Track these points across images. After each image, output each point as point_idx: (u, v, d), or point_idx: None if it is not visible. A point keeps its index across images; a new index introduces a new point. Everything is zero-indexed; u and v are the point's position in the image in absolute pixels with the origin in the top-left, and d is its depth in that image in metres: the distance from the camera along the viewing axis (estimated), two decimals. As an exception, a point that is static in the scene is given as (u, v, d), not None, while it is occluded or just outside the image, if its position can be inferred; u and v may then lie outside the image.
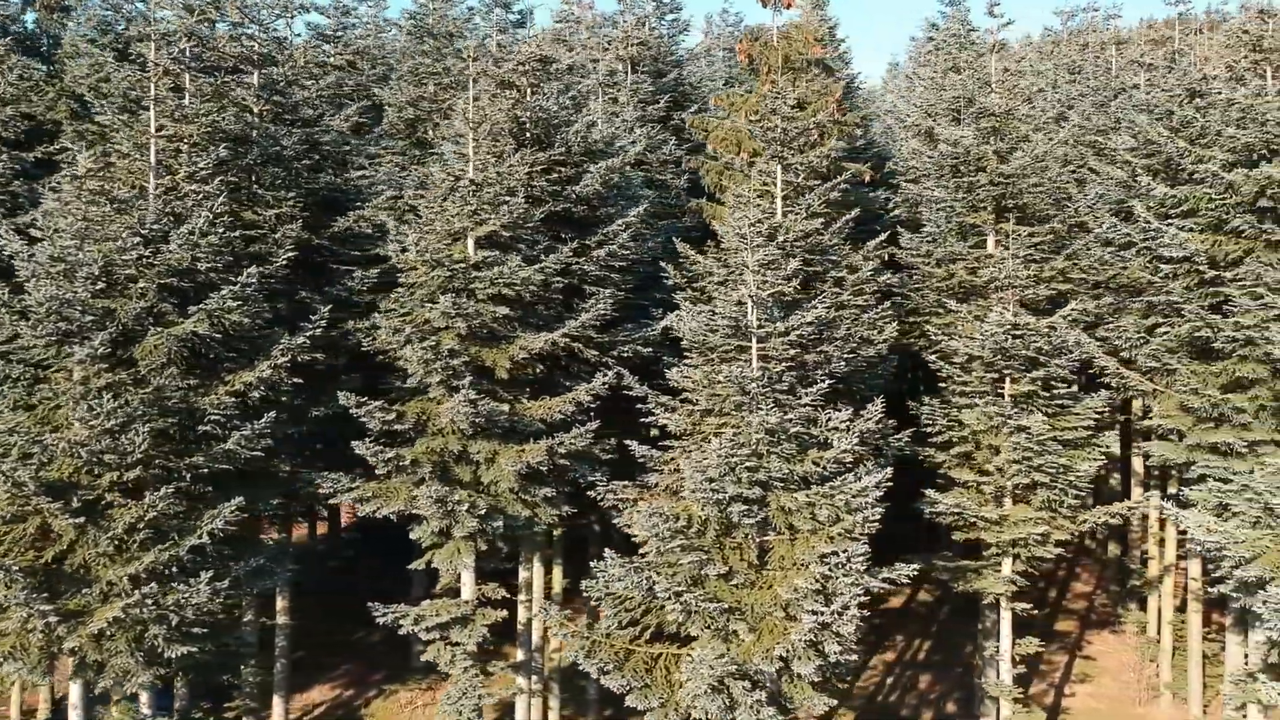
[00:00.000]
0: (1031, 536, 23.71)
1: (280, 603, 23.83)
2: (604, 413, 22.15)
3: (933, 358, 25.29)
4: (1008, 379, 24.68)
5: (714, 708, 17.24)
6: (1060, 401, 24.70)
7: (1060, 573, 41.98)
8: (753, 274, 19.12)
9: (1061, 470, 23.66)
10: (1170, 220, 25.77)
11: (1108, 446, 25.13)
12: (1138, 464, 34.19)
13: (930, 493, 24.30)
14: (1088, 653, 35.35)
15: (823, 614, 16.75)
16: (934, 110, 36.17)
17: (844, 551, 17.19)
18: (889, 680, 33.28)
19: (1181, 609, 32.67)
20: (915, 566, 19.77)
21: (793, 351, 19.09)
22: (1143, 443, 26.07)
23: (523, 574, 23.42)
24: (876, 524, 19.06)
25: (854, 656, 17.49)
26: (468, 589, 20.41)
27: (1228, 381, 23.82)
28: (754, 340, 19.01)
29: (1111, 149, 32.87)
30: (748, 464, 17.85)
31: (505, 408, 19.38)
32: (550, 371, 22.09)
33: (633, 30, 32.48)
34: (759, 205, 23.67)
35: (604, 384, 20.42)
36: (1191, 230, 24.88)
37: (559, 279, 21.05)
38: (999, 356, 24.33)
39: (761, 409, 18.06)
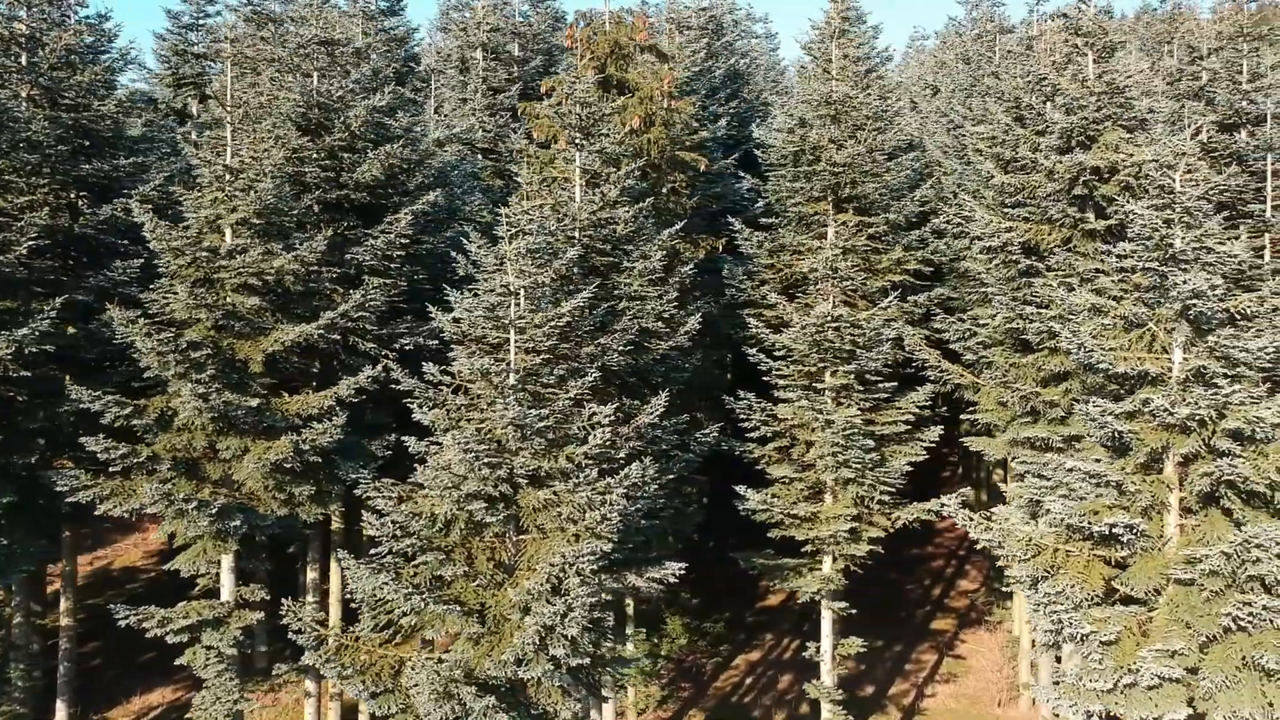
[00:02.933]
0: (838, 534, 23.03)
1: (64, 603, 23.06)
2: (401, 409, 21.44)
3: (753, 351, 24.56)
4: (828, 372, 24.04)
5: (441, 714, 16.54)
6: (877, 395, 24.07)
7: (949, 569, 41.41)
8: (511, 262, 18.42)
9: (871, 465, 22.99)
10: (1009, 209, 25.17)
11: (930, 441, 24.52)
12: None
13: (741, 488, 23.61)
14: (959, 651, 34.75)
15: (543, 615, 16.05)
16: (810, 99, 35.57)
17: (573, 551, 16.46)
18: (749, 680, 32.63)
19: (1042, 607, 32.05)
20: (683, 565, 19.16)
21: (550, 343, 18.35)
22: (965, 438, 25.48)
23: (310, 574, 22.68)
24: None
25: (587, 660, 16.73)
26: (226, 590, 19.65)
27: (1047, 375, 23.23)
28: (512, 331, 18.28)
29: (977, 136, 32.25)
30: (488, 460, 17.14)
31: (254, 402, 18.60)
32: (332, 365, 21.39)
33: (485, 16, 31.68)
34: (558, 193, 23.02)
35: (369, 378, 19.66)
36: (1026, 219, 24.27)
37: (328, 269, 20.29)
38: (814, 350, 23.69)
39: (500, 402, 17.33)
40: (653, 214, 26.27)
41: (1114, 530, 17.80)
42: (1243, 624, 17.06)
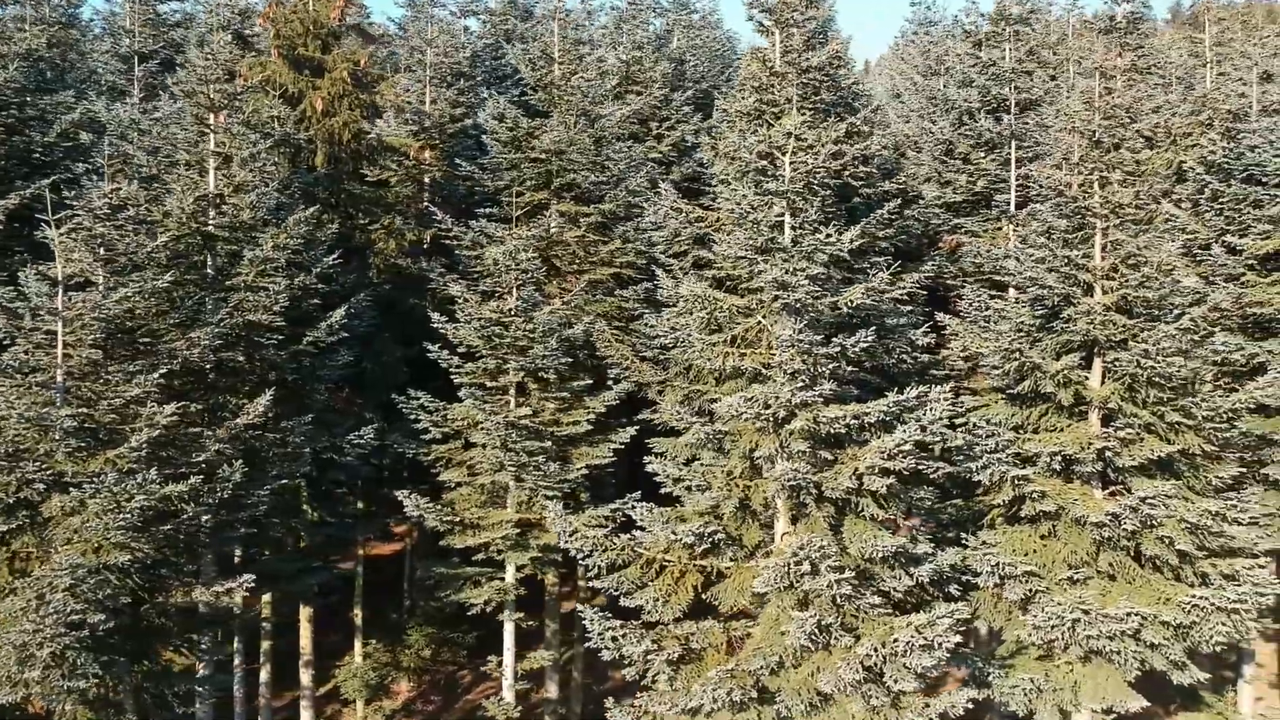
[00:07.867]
0: (496, 541, 21.65)
1: None
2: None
3: (435, 348, 23.10)
4: (509, 370, 22.63)
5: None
6: (563, 394, 22.70)
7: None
8: (57, 248, 17.04)
9: (535, 466, 21.58)
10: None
11: (621, 443, 23.17)
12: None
13: (402, 494, 22.16)
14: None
15: (12, 635, 14.66)
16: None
17: (59, 564, 15.06)
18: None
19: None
20: (250, 576, 17.71)
21: (93, 336, 16.91)
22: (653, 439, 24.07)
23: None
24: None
25: (83, 682, 15.27)
26: None
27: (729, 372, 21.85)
28: (60, 323, 16.88)
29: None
30: (-2, 462, 15.75)
31: None
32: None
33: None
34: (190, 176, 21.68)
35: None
36: (705, 208, 22.94)
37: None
38: (486, 345, 22.31)
39: (2, 400, 15.93)
40: (345, 202, 24.99)
41: (687, 539, 16.45)
42: (804, 644, 15.69)
